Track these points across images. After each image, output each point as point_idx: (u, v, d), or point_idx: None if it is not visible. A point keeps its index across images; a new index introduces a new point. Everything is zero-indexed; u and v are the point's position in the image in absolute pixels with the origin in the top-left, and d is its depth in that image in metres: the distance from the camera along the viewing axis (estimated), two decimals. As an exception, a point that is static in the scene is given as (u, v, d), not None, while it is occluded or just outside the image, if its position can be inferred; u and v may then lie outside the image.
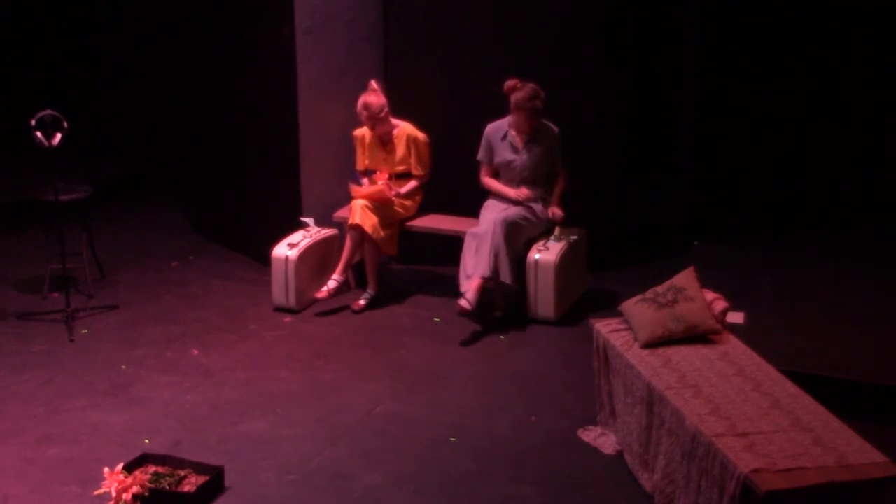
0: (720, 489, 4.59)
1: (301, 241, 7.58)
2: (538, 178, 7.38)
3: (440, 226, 7.71)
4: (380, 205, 7.53)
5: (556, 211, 7.35)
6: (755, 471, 4.43)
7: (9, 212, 9.06)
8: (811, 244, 8.22)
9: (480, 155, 7.45)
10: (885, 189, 8.68)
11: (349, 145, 7.77)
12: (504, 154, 7.35)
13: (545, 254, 7.22)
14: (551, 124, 7.34)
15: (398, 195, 7.59)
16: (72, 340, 7.05)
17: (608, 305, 7.05)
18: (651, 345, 5.54)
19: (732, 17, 8.88)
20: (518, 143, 7.33)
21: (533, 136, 7.31)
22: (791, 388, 5.12)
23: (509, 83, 7.23)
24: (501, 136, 7.35)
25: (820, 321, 6.69)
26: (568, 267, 7.32)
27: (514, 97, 7.20)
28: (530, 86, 7.17)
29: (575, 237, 7.43)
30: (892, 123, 8.72)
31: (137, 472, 5.25)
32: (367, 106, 7.46)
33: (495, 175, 7.47)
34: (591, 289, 7.71)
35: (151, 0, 10.18)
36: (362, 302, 7.57)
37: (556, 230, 7.38)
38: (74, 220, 7.76)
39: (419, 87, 8.09)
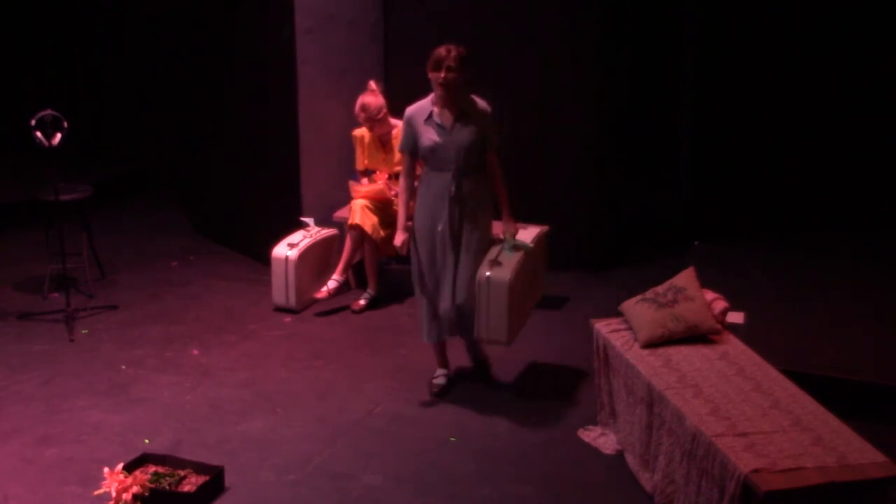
0: (720, 489, 4.59)
1: (301, 241, 7.57)
2: (474, 164, 6.05)
3: (440, 226, 7.68)
4: (380, 205, 7.52)
5: (509, 228, 6.16)
6: (755, 471, 4.43)
7: (9, 212, 9.06)
8: (811, 244, 8.22)
9: (401, 144, 6.19)
10: (886, 189, 8.67)
11: (349, 145, 7.77)
12: (430, 136, 6.01)
13: (497, 270, 5.99)
14: (482, 100, 6.09)
15: (398, 195, 7.58)
16: (72, 340, 7.04)
17: (608, 305, 7.02)
18: (651, 345, 5.54)
19: (733, 18, 8.88)
20: (446, 121, 6.03)
21: (462, 111, 6.01)
22: (791, 388, 5.12)
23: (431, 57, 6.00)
24: (425, 117, 6.06)
25: (820, 321, 6.69)
26: (525, 280, 6.20)
27: (431, 60, 6.01)
28: (449, 46, 5.97)
29: (531, 245, 6.29)
30: (892, 124, 8.71)
31: (137, 472, 5.25)
32: (365, 107, 7.45)
33: (416, 168, 6.29)
34: (592, 289, 7.70)
35: (151, 0, 10.18)
36: (362, 302, 7.57)
37: (507, 237, 6.16)
38: (74, 220, 7.77)
39: (419, 87, 8.06)
